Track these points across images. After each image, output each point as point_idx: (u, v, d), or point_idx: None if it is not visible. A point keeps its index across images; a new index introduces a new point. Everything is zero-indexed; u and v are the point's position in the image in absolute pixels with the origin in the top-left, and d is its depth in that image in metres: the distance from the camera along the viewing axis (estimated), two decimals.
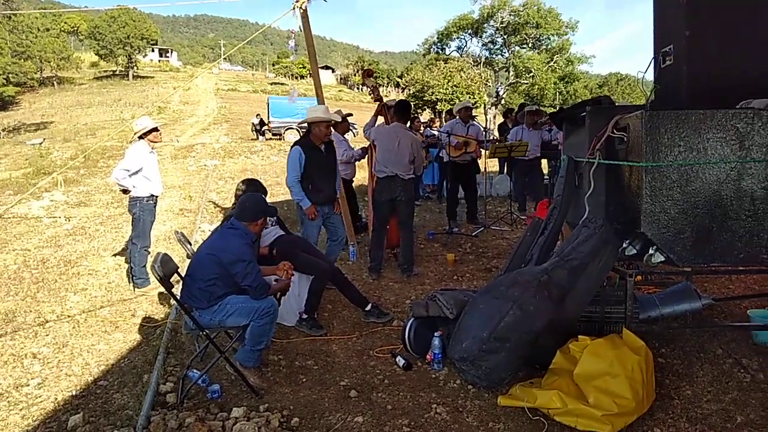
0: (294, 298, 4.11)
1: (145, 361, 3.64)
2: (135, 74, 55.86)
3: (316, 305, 4.16)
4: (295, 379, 3.36)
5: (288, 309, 4.13)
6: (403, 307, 4.54)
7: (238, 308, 3.18)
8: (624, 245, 3.44)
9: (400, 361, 3.39)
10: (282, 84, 57.08)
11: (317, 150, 4.88)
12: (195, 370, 3.24)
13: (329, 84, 60.62)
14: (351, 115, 7.06)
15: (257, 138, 23.39)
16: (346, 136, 6.84)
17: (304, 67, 58.61)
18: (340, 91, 57.43)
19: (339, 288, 4.33)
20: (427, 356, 3.39)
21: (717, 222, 3.07)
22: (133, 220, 5.32)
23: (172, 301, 3.41)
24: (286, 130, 23.60)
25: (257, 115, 24.64)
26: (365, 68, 7.96)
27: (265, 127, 23.73)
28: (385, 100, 6.03)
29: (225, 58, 78.07)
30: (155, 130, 5.32)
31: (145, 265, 5.21)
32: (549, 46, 39.64)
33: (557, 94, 40.03)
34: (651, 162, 3.02)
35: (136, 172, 5.13)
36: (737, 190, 3.05)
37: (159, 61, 77.30)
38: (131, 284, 5.33)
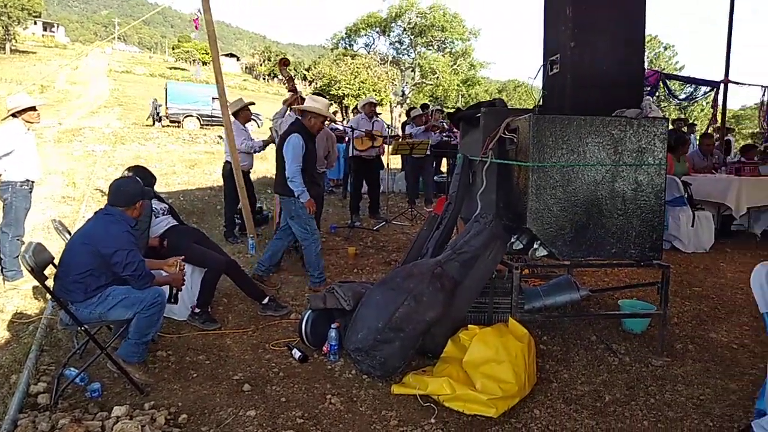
0: (186, 291, 3.94)
1: (14, 360, 3.33)
2: (13, 48, 50.58)
3: (209, 299, 4.02)
4: (185, 374, 3.22)
5: (179, 303, 3.95)
6: (302, 300, 4.51)
7: (122, 300, 2.98)
8: (512, 240, 3.64)
9: (296, 353, 3.36)
10: (182, 69, 54.32)
11: (313, 142, 4.65)
12: (72, 368, 3.00)
13: (233, 72, 58.56)
14: (253, 104, 6.87)
15: (153, 124, 22.11)
16: (248, 125, 6.65)
17: (207, 53, 56.20)
18: (244, 80, 55.67)
19: (235, 281, 4.21)
20: (324, 348, 3.40)
21: (593, 219, 3.35)
22: (4, 207, 4.83)
23: (48, 295, 3.15)
24: (185, 117, 22.55)
25: (154, 100, 23.31)
26: (282, 57, 7.75)
27: (162, 113, 22.52)
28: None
29: (119, 38, 72.92)
30: (32, 109, 4.85)
31: (17, 256, 4.75)
32: (453, 50, 41.04)
33: (460, 96, 41.54)
34: (537, 162, 3.23)
35: (7, 154, 4.65)
36: (611, 190, 3.34)
37: (43, 35, 70.61)
38: (1, 277, 4.84)
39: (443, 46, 40.88)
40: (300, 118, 4.64)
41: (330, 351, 3.34)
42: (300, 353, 3.36)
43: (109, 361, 3.00)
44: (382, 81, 36.27)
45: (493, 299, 3.63)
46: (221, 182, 6.83)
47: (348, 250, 6.01)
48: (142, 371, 3.07)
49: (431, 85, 39.83)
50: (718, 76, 10.43)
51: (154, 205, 4.06)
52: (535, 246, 3.46)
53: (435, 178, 9.99)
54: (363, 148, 7.62)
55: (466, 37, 40.17)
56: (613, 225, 3.37)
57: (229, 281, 4.30)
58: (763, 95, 11.51)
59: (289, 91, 5.90)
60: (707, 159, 8.08)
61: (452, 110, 4.88)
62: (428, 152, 8.62)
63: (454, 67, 40.24)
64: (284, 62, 6.15)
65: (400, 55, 42.34)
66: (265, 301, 4.16)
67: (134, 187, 3.22)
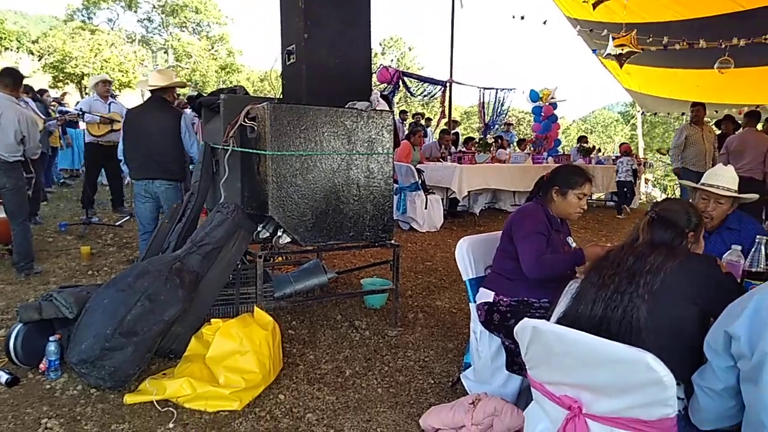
0: None
1: None
2: None
3: None
4: None
5: None
6: (15, 313, 3.83)
7: None
8: (258, 229, 3.64)
9: (2, 376, 2.83)
10: None
11: None
12: None
13: None
14: None
15: None
16: None
17: None
18: None
19: None
20: (41, 365, 2.93)
21: (332, 206, 3.53)
22: None
23: None
24: None
25: None
26: None
27: None
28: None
29: None
30: None
31: None
32: (210, 34, 39.20)
33: (221, 82, 39.97)
34: (276, 151, 3.26)
35: None
36: (347, 178, 3.56)
37: None
38: None
39: (199, 29, 38.76)
40: None
41: (49, 368, 2.90)
42: (7, 375, 2.84)
43: None
44: (129, 61, 32.86)
45: (240, 290, 3.58)
46: None
47: (81, 249, 5.31)
48: None
49: (187, 69, 37.50)
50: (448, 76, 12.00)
51: None
52: (279, 234, 3.51)
53: None
54: (100, 134, 6.77)
55: (223, 21, 38.75)
56: (350, 210, 3.60)
57: None
58: (480, 95, 13.61)
59: None
60: (442, 150, 9.24)
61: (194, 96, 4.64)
62: None
63: (212, 52, 38.53)
64: None
65: (151, 35, 38.85)
66: None
67: None
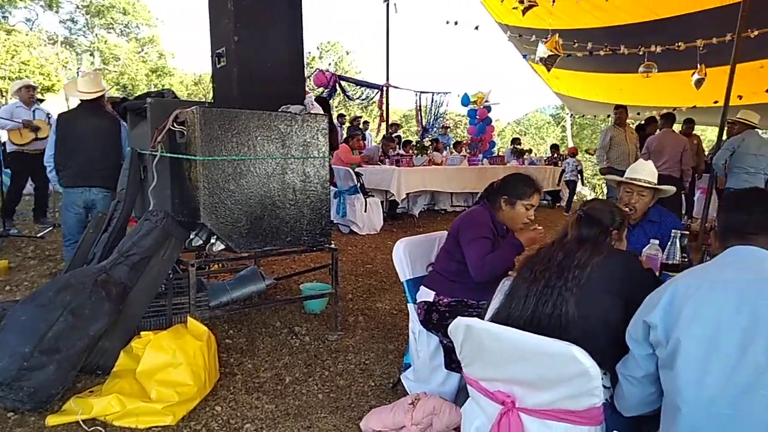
0: None
1: None
2: None
3: None
4: None
5: None
6: None
7: None
8: (191, 236, 3.52)
9: None
10: None
11: None
12: None
13: None
14: None
15: None
16: None
17: None
18: None
19: None
20: None
21: (267, 211, 3.47)
22: None
23: None
24: None
25: None
26: None
27: None
28: None
29: None
30: None
31: None
32: (139, 36, 37.74)
33: (152, 86, 38.51)
34: (207, 156, 3.17)
35: None
36: (282, 182, 3.51)
37: None
38: None
39: (127, 30, 37.24)
40: None
41: None
42: None
43: None
44: (51, 63, 31.15)
45: (172, 300, 3.46)
46: None
47: None
48: None
49: (115, 72, 35.93)
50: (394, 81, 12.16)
51: None
52: (213, 241, 3.42)
53: None
54: (23, 142, 6.37)
55: (153, 23, 37.41)
56: (287, 215, 3.55)
57: None
58: (417, 99, 13.80)
59: None
60: (380, 154, 9.29)
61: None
62: None
63: (142, 54, 37.11)
64: None
65: (75, 36, 36.96)
66: None
67: None
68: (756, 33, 8.16)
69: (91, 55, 36.88)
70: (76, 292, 2.77)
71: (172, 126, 3.35)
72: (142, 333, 2.95)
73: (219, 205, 3.25)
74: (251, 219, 3.39)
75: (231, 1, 3.32)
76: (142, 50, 37.12)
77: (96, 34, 36.21)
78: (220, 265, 4.84)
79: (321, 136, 3.63)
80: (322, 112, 3.70)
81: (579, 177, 11.42)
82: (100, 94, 4.33)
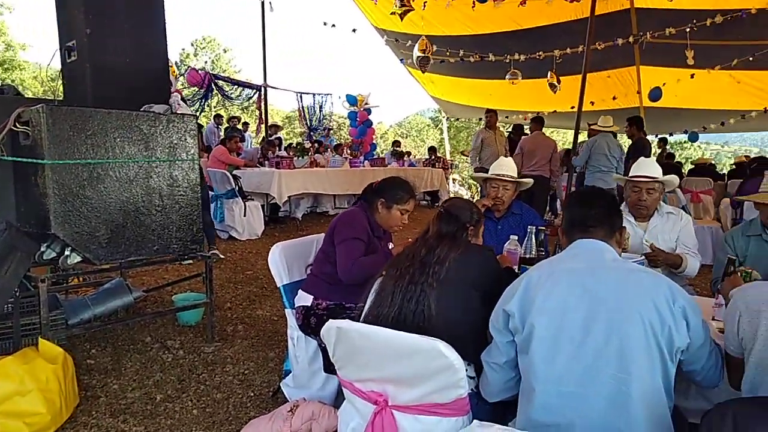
0: None
1: None
2: None
3: None
4: None
5: None
6: None
7: None
8: (42, 249, 3.18)
9: None
10: None
11: None
12: None
13: None
14: None
15: None
16: None
17: None
18: None
19: None
20: None
21: (131, 218, 3.22)
22: None
23: None
24: None
25: None
26: None
27: None
28: None
29: None
30: None
31: None
32: None
33: None
34: (57, 160, 2.87)
35: None
36: (147, 187, 3.28)
37: None
38: None
39: None
40: None
41: None
42: None
43: None
44: None
45: (21, 321, 3.09)
46: None
47: None
48: None
49: None
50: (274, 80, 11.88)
51: None
52: (67, 253, 3.11)
53: None
54: None
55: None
56: (153, 222, 3.32)
57: None
58: (299, 100, 13.66)
59: None
60: (262, 156, 9.10)
61: None
62: None
63: None
64: None
65: None
66: None
67: None
68: (603, 46, 9.08)
69: None
70: None
71: (14, 126, 3.00)
72: None
73: (73, 213, 2.96)
74: (112, 227, 3.13)
75: None
76: None
77: None
78: (81, 278, 4.43)
79: (189, 137, 3.44)
80: (189, 112, 3.51)
81: None
82: None
